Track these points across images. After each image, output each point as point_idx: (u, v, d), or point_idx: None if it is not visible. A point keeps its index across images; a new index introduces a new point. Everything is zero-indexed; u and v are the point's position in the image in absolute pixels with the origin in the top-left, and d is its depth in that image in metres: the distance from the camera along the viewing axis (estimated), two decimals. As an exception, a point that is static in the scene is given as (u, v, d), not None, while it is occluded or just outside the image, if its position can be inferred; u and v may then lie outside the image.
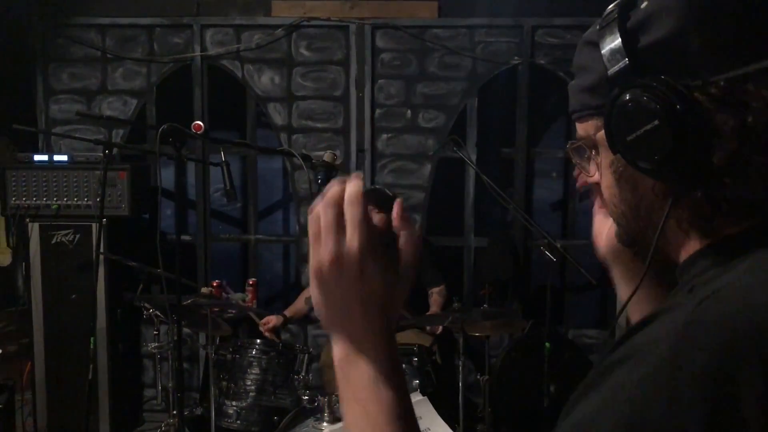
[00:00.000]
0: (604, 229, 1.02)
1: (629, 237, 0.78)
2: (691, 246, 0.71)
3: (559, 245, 3.10)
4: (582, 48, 0.79)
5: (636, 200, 0.73)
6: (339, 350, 0.75)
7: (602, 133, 0.73)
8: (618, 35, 0.69)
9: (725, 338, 0.58)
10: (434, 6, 4.01)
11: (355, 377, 0.73)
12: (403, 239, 0.72)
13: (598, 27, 0.74)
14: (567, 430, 0.64)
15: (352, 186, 0.71)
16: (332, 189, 0.71)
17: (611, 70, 0.70)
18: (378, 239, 0.71)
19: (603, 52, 0.71)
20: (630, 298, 0.88)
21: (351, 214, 0.70)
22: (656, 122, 0.65)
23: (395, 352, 0.74)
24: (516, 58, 4.02)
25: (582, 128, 0.80)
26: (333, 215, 0.70)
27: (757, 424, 0.56)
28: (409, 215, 0.73)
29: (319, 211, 0.71)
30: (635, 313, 0.91)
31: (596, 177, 0.81)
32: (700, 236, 0.70)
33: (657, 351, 0.60)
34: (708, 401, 0.56)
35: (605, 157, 0.76)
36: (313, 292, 0.73)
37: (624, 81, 0.68)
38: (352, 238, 0.69)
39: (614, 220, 0.79)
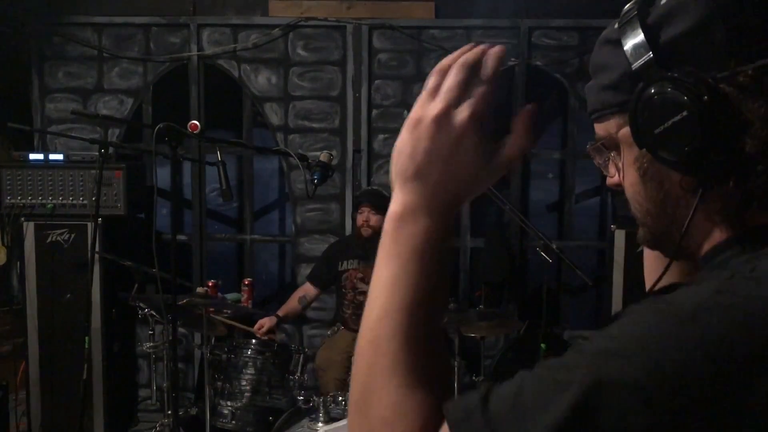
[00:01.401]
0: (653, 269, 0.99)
1: (654, 237, 0.77)
2: (718, 237, 0.70)
3: (554, 246, 3.10)
4: (600, 47, 0.77)
5: (662, 197, 0.72)
6: (397, 205, 0.69)
7: (625, 130, 0.73)
8: (640, 30, 0.69)
9: (750, 318, 0.57)
10: (431, 6, 4.01)
11: (403, 235, 0.68)
12: (517, 130, 0.69)
13: (617, 25, 0.73)
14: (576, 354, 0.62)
15: (497, 55, 0.69)
16: (473, 52, 0.69)
17: (635, 65, 0.69)
18: (494, 123, 0.68)
19: (626, 47, 0.70)
20: (650, 289, 0.88)
21: (482, 86, 0.68)
22: (684, 113, 0.65)
23: (451, 230, 0.70)
24: (513, 59, 4.02)
25: (602, 128, 0.79)
26: (464, 77, 0.68)
27: (760, 416, 0.55)
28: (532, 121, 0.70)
29: (451, 67, 0.69)
30: None
31: (617, 178, 0.80)
32: (728, 227, 0.69)
33: (679, 306, 0.59)
34: (713, 370, 0.55)
35: (629, 154, 0.75)
36: (400, 139, 0.70)
37: (649, 75, 0.68)
38: (470, 104, 0.67)
39: (638, 220, 0.78)
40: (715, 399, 0.55)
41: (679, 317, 0.58)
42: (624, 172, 0.77)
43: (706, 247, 0.72)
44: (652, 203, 0.74)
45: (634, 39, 0.70)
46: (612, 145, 0.78)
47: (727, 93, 0.64)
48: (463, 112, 0.67)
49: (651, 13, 0.70)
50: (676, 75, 0.66)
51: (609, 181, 0.82)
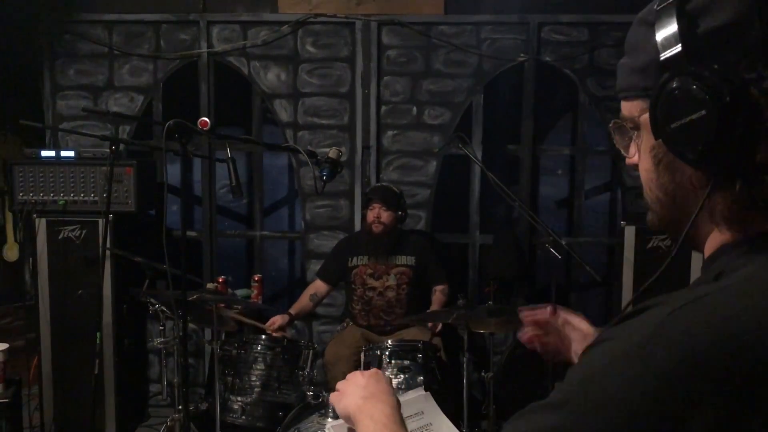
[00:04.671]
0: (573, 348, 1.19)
1: (661, 222, 0.78)
2: (719, 238, 0.71)
3: (564, 243, 3.10)
4: (637, 27, 0.76)
5: (673, 187, 0.73)
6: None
7: (647, 116, 0.73)
8: (675, 19, 0.68)
9: (688, 350, 0.59)
10: (440, 2, 4.00)
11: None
12: None
13: (656, 6, 0.71)
14: (542, 404, 0.68)
15: None
16: None
17: (663, 55, 0.69)
18: None
19: (657, 35, 0.69)
20: (645, 287, 0.88)
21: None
22: (703, 112, 0.64)
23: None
24: (522, 55, 4.01)
25: (626, 108, 0.79)
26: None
27: None
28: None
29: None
30: None
31: (635, 159, 0.81)
32: (729, 229, 0.70)
33: (632, 338, 0.62)
34: (652, 407, 0.58)
35: (647, 140, 0.76)
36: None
37: (675, 67, 0.67)
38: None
39: (648, 204, 0.79)
40: None
41: (624, 353, 0.61)
42: (641, 155, 0.78)
43: (709, 246, 0.73)
44: (663, 192, 0.75)
45: (668, 28, 0.68)
46: (635, 126, 0.79)
47: (750, 96, 0.63)
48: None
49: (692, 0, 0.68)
50: (701, 71, 0.65)
51: (628, 161, 0.83)
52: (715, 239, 0.72)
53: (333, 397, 1.08)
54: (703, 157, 0.66)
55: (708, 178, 0.68)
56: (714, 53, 0.66)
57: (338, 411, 1.05)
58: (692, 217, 0.70)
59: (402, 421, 0.98)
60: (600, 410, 0.60)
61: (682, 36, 0.67)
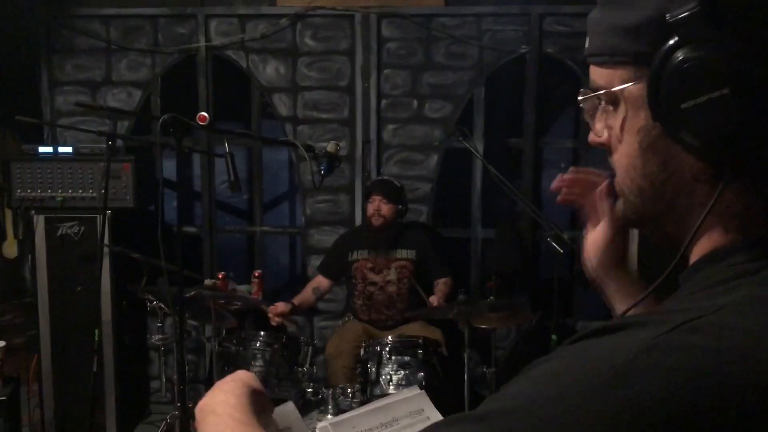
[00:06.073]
0: (593, 248, 0.91)
1: (639, 217, 0.65)
2: (719, 239, 0.60)
3: (566, 237, 3.06)
4: None
5: (663, 178, 0.60)
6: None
7: (633, 89, 0.60)
8: None
9: (676, 383, 0.48)
10: (440, -6, 3.96)
11: None
12: None
13: None
14: (483, 411, 0.56)
15: None
16: None
17: (673, 13, 0.54)
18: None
19: None
20: (649, 292, 0.72)
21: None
22: (725, 91, 0.52)
23: None
24: (524, 46, 3.96)
25: (601, 76, 0.64)
26: None
27: None
28: None
29: None
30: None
31: (604, 137, 0.66)
32: (735, 230, 0.58)
33: (609, 360, 0.51)
34: None
35: (633, 118, 0.61)
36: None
37: (688, 30, 0.53)
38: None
39: (624, 194, 0.66)
40: None
41: (606, 377, 0.50)
42: (620, 136, 0.64)
43: (703, 245, 0.61)
44: (648, 182, 0.62)
45: None
46: (611, 99, 0.64)
47: None
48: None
49: None
50: (726, 39, 0.52)
51: (592, 138, 0.69)
52: (712, 239, 0.60)
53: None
54: (717, 147, 0.54)
55: (715, 169, 0.56)
56: (741, 16, 0.53)
57: None
58: (702, 218, 0.58)
59: None
60: None
61: None
